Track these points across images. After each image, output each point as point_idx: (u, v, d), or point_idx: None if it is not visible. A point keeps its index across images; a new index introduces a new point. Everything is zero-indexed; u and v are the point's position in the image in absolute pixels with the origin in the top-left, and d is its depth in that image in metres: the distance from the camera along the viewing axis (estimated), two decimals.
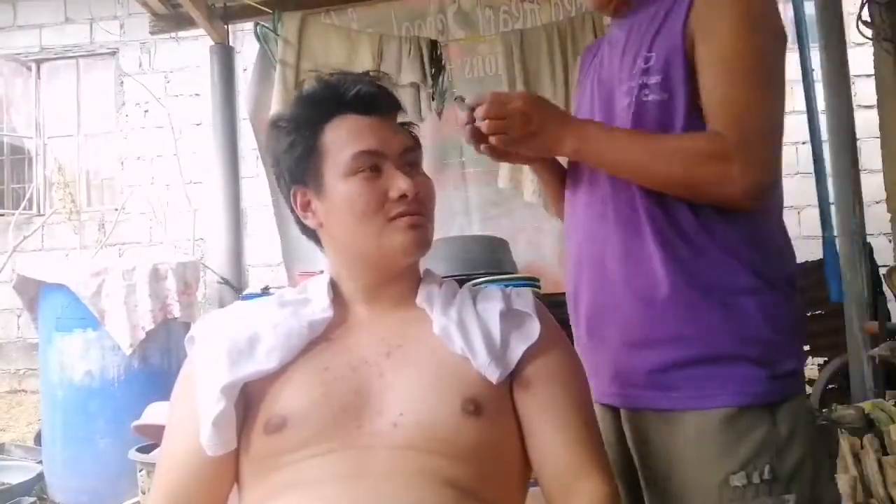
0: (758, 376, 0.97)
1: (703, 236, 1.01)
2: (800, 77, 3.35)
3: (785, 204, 1.14)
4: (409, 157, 0.97)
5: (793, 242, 1.11)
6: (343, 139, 0.95)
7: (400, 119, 1.01)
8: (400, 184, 0.93)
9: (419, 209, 0.94)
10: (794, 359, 1.01)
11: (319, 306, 0.97)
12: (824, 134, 3.35)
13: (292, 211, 1.01)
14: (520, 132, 1.01)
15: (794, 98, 5.48)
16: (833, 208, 3.32)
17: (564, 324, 1.05)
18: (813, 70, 3.34)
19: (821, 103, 3.34)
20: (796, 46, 3.28)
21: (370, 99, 0.97)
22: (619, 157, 1.02)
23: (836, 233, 3.30)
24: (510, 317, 0.96)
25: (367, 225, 0.94)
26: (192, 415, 0.89)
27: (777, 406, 0.97)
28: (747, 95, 0.98)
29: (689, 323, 1.00)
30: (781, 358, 0.99)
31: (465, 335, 0.92)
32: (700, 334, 1.00)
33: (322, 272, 1.05)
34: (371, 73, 1.01)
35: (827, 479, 0.97)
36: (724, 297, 1.00)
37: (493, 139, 1.02)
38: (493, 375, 0.90)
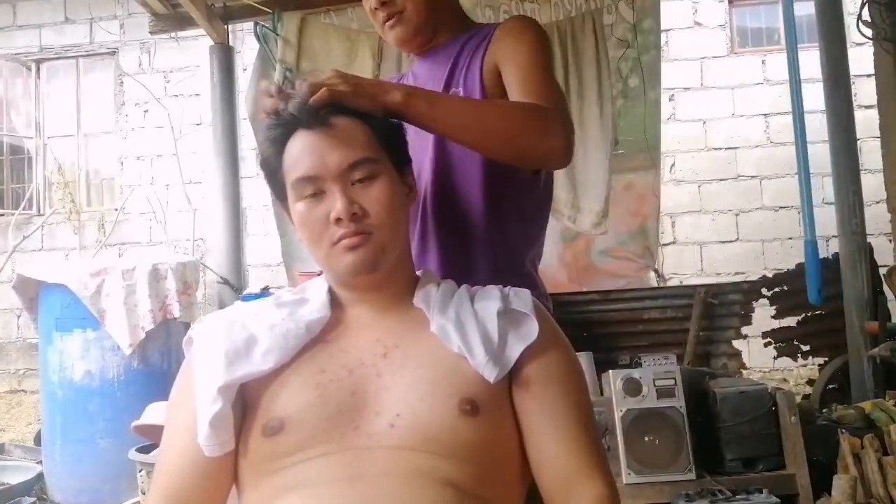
0: None
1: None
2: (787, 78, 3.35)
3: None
4: (357, 173, 0.93)
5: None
6: (290, 163, 0.95)
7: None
8: (334, 206, 0.92)
9: (359, 229, 0.92)
10: None
11: (316, 306, 0.98)
12: (823, 135, 3.36)
13: None
14: (342, 80, 0.98)
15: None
16: (832, 208, 3.33)
17: (564, 323, 1.06)
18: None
19: (821, 103, 3.34)
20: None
21: (308, 111, 0.93)
22: (451, 110, 1.08)
23: (836, 233, 3.31)
24: (508, 316, 0.96)
25: (317, 249, 0.96)
26: (191, 416, 0.89)
27: None
28: (552, 92, 1.15)
29: None
30: None
31: (462, 334, 0.92)
32: None
33: (322, 273, 1.06)
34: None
35: None
36: None
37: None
38: (491, 375, 0.90)
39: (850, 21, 3.51)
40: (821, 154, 3.43)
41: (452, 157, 1.21)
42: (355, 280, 0.96)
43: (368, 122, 0.97)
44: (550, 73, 1.20)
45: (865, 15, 3.26)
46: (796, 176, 5.51)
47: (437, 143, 1.21)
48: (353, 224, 0.92)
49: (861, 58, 3.78)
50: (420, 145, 1.20)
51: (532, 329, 0.94)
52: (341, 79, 0.98)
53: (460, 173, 1.21)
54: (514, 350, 0.93)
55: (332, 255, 0.94)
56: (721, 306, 3.55)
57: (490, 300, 0.98)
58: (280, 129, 0.96)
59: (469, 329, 0.93)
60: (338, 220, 0.92)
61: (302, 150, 0.94)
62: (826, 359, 3.60)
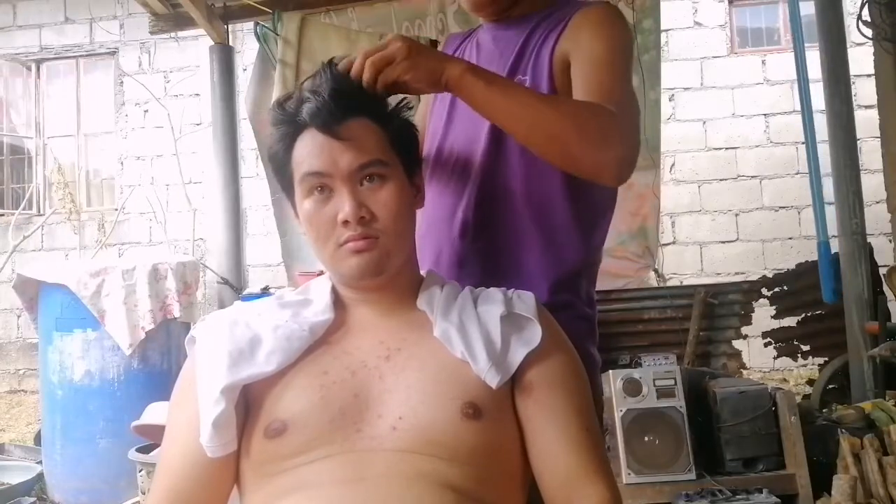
0: None
1: None
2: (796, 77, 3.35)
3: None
4: (367, 174, 0.93)
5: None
6: (299, 159, 0.94)
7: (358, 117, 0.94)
8: (342, 207, 0.91)
9: (367, 232, 0.92)
10: None
11: (320, 307, 0.97)
12: (823, 135, 3.36)
13: None
14: (403, 55, 0.96)
15: (795, 98, 5.51)
16: (833, 208, 3.33)
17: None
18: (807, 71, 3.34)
19: (821, 103, 3.34)
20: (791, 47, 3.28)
21: (323, 113, 0.92)
22: (507, 94, 1.00)
23: (836, 233, 3.31)
24: (511, 321, 0.95)
25: (322, 248, 0.95)
26: (193, 416, 0.89)
27: None
28: (619, 95, 1.03)
29: None
30: None
31: (465, 339, 0.92)
32: None
33: (322, 272, 1.05)
34: (335, 80, 0.95)
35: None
36: None
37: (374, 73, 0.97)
38: (493, 380, 0.89)
39: (850, 21, 3.51)
40: (821, 154, 3.44)
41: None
42: (359, 283, 0.96)
43: (382, 123, 0.96)
44: (623, 75, 1.07)
45: (865, 15, 3.26)
46: (796, 176, 5.50)
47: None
48: (361, 227, 0.91)
49: (861, 58, 3.78)
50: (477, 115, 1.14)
51: (535, 334, 0.94)
52: (400, 53, 0.95)
53: (521, 152, 1.11)
54: (517, 355, 0.92)
55: (338, 256, 0.94)
56: (721, 306, 3.56)
57: (493, 304, 0.97)
58: (291, 126, 0.95)
59: (472, 333, 0.92)
60: (345, 222, 0.91)
61: (311, 149, 0.93)
62: (826, 359, 3.60)
